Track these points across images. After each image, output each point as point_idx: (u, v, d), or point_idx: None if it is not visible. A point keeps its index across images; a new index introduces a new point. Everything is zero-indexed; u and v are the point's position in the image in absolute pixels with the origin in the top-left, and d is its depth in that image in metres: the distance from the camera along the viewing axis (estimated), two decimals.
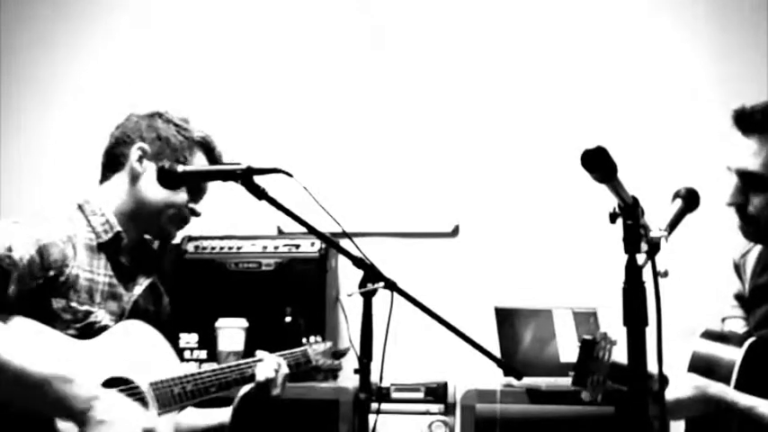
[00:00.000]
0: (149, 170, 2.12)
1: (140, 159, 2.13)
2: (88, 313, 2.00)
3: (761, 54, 3.37)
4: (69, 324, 1.96)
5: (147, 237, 2.23)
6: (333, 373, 2.51)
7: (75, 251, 2.01)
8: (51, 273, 1.94)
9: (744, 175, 2.09)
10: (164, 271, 2.29)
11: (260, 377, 2.23)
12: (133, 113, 2.22)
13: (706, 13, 3.43)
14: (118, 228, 2.09)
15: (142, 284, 2.17)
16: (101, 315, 2.03)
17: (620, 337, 1.69)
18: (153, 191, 2.11)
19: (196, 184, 2.17)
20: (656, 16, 3.45)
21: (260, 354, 2.30)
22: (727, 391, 2.00)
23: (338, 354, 2.55)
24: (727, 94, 3.27)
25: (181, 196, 2.15)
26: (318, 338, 2.53)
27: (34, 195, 2.16)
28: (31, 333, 1.87)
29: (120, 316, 2.10)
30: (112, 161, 2.17)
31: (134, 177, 2.13)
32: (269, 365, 2.25)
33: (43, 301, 1.93)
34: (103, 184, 2.17)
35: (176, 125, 2.18)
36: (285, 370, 2.28)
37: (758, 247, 2.26)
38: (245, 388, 2.25)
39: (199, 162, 2.18)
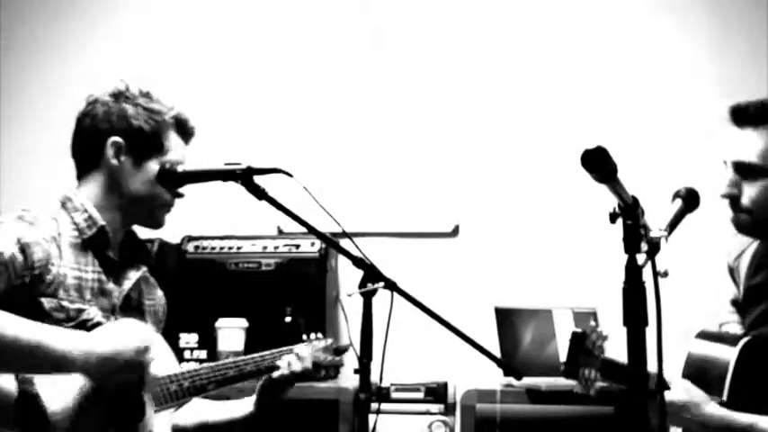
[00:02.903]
0: (127, 164, 2.08)
1: (117, 155, 2.08)
2: (80, 311, 1.98)
3: (761, 54, 3.37)
4: (62, 323, 1.94)
5: (134, 228, 2.20)
6: (335, 369, 2.51)
7: (61, 250, 1.99)
8: (36, 271, 1.92)
9: (740, 167, 2.12)
10: (153, 263, 2.25)
11: (296, 368, 2.32)
12: (97, 97, 2.14)
13: (706, 13, 3.43)
14: (101, 222, 2.06)
15: (132, 279, 2.15)
16: (93, 312, 2.01)
17: (616, 335, 1.69)
18: (137, 184, 2.09)
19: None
20: (656, 16, 3.46)
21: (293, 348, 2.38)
22: (726, 411, 2.00)
23: (339, 350, 2.54)
24: (727, 93, 3.27)
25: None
26: (319, 335, 2.53)
27: (37, 195, 2.15)
28: (21, 319, 1.85)
29: (111, 312, 2.07)
30: (87, 156, 2.12)
31: (113, 173, 2.09)
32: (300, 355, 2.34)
33: (33, 302, 1.92)
34: (83, 179, 2.13)
35: (145, 108, 2.11)
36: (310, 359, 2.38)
37: (751, 249, 2.26)
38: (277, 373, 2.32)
39: (174, 142, 2.13)
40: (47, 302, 1.94)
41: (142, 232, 2.29)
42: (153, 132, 2.10)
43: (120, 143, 2.08)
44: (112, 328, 1.99)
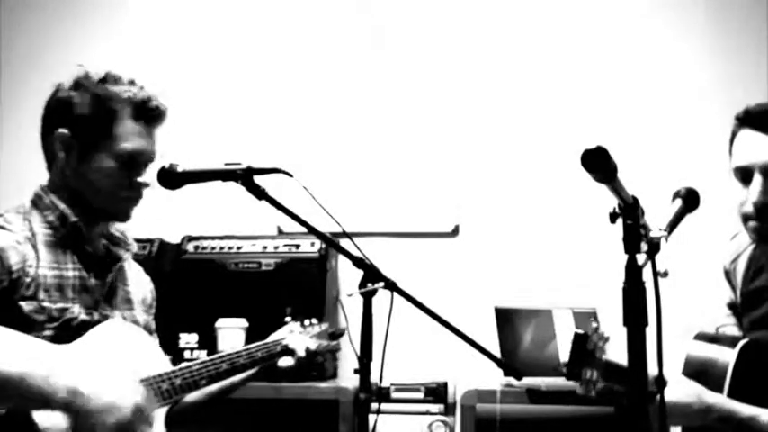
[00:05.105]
0: (75, 156, 2.02)
1: (64, 148, 2.02)
2: (63, 310, 1.95)
3: (761, 54, 3.37)
4: (44, 325, 1.91)
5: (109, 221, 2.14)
6: (332, 354, 2.49)
7: (37, 251, 1.95)
8: (14, 275, 1.89)
9: None
10: (134, 250, 2.20)
11: (300, 352, 2.33)
12: (61, 84, 2.06)
13: (706, 13, 3.43)
14: (73, 219, 2.01)
15: (113, 271, 2.11)
16: (76, 310, 1.98)
17: (617, 337, 1.69)
18: (85, 177, 2.02)
19: (131, 160, 2.03)
20: (657, 16, 3.45)
21: (287, 332, 2.38)
22: (727, 401, 1.99)
23: (335, 334, 2.52)
24: (727, 94, 3.28)
25: (123, 175, 2.03)
26: (314, 321, 2.51)
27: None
28: (5, 338, 1.75)
29: (94, 308, 2.03)
30: (46, 150, 2.07)
31: (63, 167, 2.03)
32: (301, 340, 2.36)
33: (12, 307, 1.88)
34: (50, 174, 2.08)
35: (95, 95, 2.03)
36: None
37: (747, 252, 2.25)
38: (285, 362, 2.34)
39: (128, 128, 2.02)
40: (26, 305, 1.90)
41: (138, 232, 2.29)
42: (99, 120, 2.01)
43: (66, 135, 2.02)
44: (100, 356, 1.91)
